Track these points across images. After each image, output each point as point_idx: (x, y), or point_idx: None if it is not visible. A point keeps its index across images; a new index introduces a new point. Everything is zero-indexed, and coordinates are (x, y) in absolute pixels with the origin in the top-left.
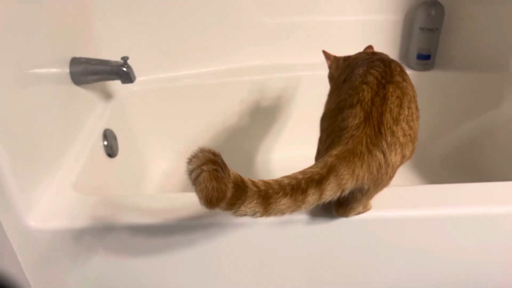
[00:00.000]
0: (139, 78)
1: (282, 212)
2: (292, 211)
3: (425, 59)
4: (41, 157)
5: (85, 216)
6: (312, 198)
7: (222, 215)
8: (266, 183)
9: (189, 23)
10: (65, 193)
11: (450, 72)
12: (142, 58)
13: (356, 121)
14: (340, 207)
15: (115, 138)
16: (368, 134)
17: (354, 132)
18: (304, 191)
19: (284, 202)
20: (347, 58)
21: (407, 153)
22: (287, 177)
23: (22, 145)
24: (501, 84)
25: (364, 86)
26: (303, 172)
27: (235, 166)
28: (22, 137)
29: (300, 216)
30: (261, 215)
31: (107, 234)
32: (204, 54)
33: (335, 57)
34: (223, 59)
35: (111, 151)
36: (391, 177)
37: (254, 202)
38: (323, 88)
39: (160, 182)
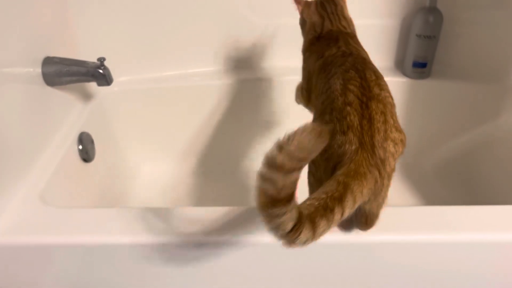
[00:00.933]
0: (120, 78)
1: (321, 236)
2: (325, 233)
3: (421, 67)
4: (5, 163)
5: (51, 230)
6: (337, 217)
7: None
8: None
9: (174, 22)
10: (31, 203)
11: (447, 81)
12: (124, 57)
13: (353, 147)
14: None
15: (92, 141)
16: (365, 157)
17: (354, 156)
18: (331, 210)
19: (323, 224)
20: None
21: (399, 154)
22: (315, 198)
23: None
24: (499, 95)
25: (348, 108)
26: (323, 191)
27: (221, 170)
28: None
29: None
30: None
31: (75, 252)
32: (189, 54)
33: (306, 2)
34: (209, 60)
35: (86, 156)
36: (388, 185)
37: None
38: None
39: (142, 186)
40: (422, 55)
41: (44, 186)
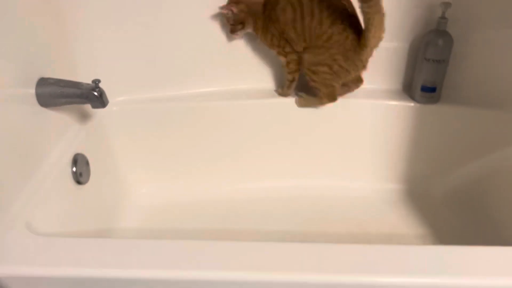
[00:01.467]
0: (119, 98)
1: None
2: None
3: (430, 92)
4: None
5: (34, 260)
6: None
7: None
8: None
9: (175, 41)
10: (16, 231)
11: (456, 107)
12: (124, 76)
13: None
14: None
15: (87, 163)
16: None
17: None
18: None
19: None
20: None
21: None
22: None
23: None
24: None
25: None
26: None
27: (219, 192)
28: None
29: None
30: None
31: (59, 284)
32: (191, 74)
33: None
34: (211, 80)
35: (80, 178)
36: None
37: None
38: (321, 117)
39: (138, 209)
40: (431, 80)
41: (32, 210)
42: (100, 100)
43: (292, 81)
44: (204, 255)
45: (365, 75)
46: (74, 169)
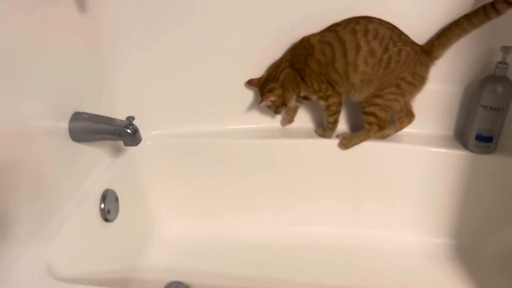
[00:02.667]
0: (153, 132)
1: None
2: None
3: (486, 141)
4: (17, 223)
5: None
6: None
7: None
8: None
9: (212, 77)
10: (37, 273)
11: None
12: (159, 110)
13: None
14: None
15: (116, 199)
16: None
17: None
18: None
19: None
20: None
21: None
22: None
23: None
24: None
25: None
26: None
27: (250, 233)
28: None
29: None
30: None
31: None
32: (227, 111)
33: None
34: (246, 117)
35: (108, 216)
36: None
37: None
38: (363, 161)
39: (165, 247)
40: (487, 128)
41: (55, 250)
42: (133, 138)
43: (334, 123)
44: None
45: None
46: (102, 206)
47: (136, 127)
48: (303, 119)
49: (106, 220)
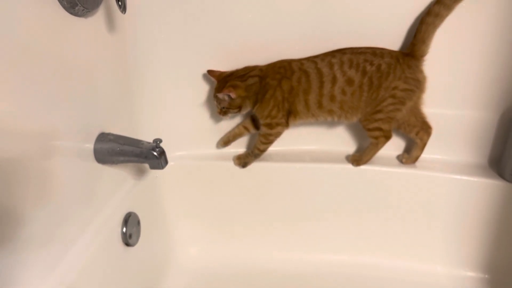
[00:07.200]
0: (177, 153)
1: None
2: None
3: None
4: (38, 247)
5: None
6: None
7: None
8: None
9: None
10: None
11: None
12: (184, 131)
13: None
14: None
15: (138, 222)
16: None
17: None
18: None
19: None
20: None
21: None
22: None
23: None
24: None
25: None
26: None
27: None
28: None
29: None
30: None
31: None
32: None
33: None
34: None
35: (129, 240)
36: None
37: None
38: (389, 189)
39: (185, 272)
40: None
41: (75, 276)
42: (159, 161)
43: (263, 151)
44: None
45: (444, 145)
46: (124, 229)
47: (163, 149)
48: (322, 141)
49: (127, 244)
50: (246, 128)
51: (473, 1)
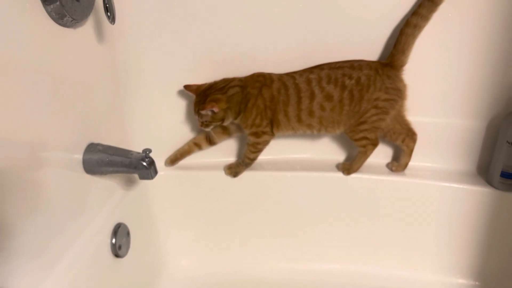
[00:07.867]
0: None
1: None
2: None
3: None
4: (28, 259)
5: None
6: None
7: None
8: None
9: None
10: None
11: None
12: (174, 142)
13: None
14: None
15: (127, 233)
16: None
17: None
18: None
19: None
20: None
21: None
22: None
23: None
24: None
25: None
26: None
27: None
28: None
29: None
30: None
31: None
32: (240, 142)
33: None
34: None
35: (119, 251)
36: None
37: None
38: (381, 197)
39: (176, 283)
40: None
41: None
42: (148, 171)
43: (253, 160)
44: None
45: (434, 153)
46: (113, 241)
47: (152, 159)
48: (313, 150)
49: (117, 256)
50: (197, 145)
51: (461, 9)
